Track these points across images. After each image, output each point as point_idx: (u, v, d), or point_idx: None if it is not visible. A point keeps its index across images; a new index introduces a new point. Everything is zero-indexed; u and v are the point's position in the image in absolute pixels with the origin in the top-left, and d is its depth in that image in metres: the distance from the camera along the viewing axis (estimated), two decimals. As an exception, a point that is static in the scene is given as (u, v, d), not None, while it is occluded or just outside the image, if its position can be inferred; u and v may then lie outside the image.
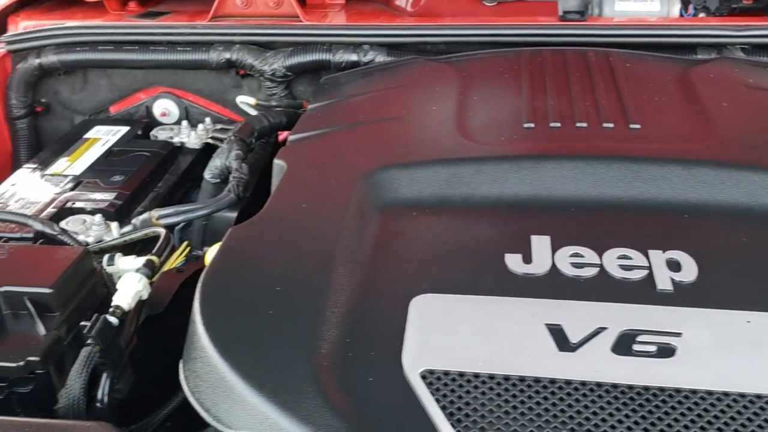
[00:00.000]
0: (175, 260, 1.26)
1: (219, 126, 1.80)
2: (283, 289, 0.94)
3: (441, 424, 0.77)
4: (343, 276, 0.96)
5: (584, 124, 1.25)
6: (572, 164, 1.13)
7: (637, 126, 1.23)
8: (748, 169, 1.11)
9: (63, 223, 1.40)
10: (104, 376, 1.04)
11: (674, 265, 0.96)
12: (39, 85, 1.95)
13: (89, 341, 1.02)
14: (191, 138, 1.77)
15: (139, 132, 1.81)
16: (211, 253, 1.09)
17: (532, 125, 1.26)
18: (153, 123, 1.91)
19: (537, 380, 0.82)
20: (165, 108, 1.94)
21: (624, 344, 0.85)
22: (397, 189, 1.14)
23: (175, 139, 1.78)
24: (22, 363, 0.99)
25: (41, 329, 1.03)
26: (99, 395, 1.04)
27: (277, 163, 1.27)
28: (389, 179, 1.15)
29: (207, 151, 1.71)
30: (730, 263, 0.97)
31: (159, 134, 1.81)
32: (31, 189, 1.56)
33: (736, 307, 0.90)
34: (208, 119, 1.82)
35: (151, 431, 1.08)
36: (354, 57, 1.71)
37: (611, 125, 1.24)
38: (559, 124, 1.25)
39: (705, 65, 1.50)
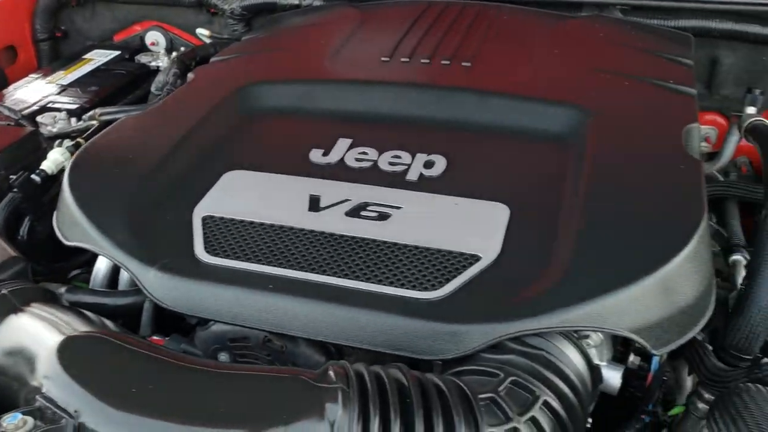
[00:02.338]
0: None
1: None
2: (134, 157, 1.28)
3: (198, 248, 1.10)
4: (184, 153, 1.30)
5: (427, 61, 1.52)
6: (394, 89, 1.43)
7: (468, 64, 1.50)
8: (534, 101, 1.36)
9: (39, 117, 1.80)
10: (26, 218, 1.43)
11: (429, 164, 1.25)
12: (58, 14, 2.36)
13: (14, 189, 1.40)
14: (165, 63, 2.13)
15: (127, 56, 2.21)
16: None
17: (388, 59, 1.54)
18: (144, 50, 2.30)
19: (281, 227, 1.13)
20: (155, 39, 2.31)
21: (356, 210, 1.16)
22: (261, 100, 1.46)
23: (153, 64, 2.16)
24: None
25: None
26: (21, 232, 1.43)
27: (189, 75, 1.61)
28: (256, 92, 1.47)
29: (175, 73, 2.08)
30: (472, 167, 1.25)
31: (141, 59, 2.19)
32: (27, 92, 1.97)
33: (455, 194, 1.18)
34: (183, 48, 2.18)
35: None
36: (296, 0, 2.03)
37: (448, 62, 1.51)
38: (408, 59, 1.53)
39: (574, 21, 1.73)
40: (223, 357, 1.09)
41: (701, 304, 1.04)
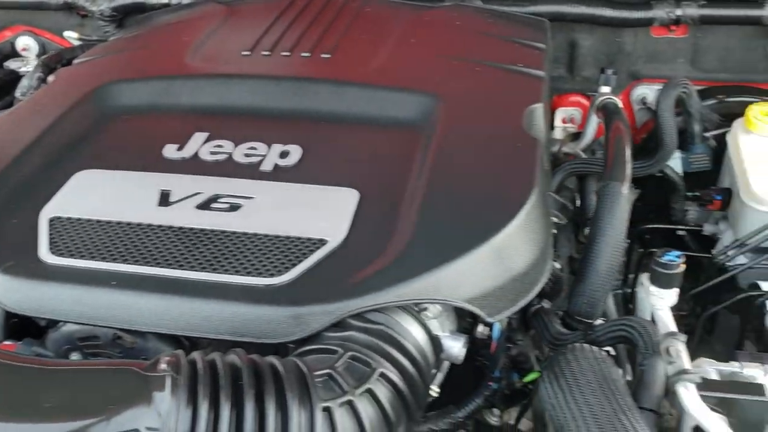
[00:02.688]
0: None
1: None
2: None
3: (43, 249, 1.09)
4: (36, 156, 1.28)
5: (288, 53, 1.54)
6: (252, 81, 1.44)
7: (328, 55, 1.53)
8: (387, 89, 1.40)
9: None
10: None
11: (284, 154, 1.27)
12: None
13: None
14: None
15: (-3, 64, 2.16)
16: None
17: (249, 53, 1.56)
18: (15, 55, 2.24)
19: (129, 224, 1.13)
20: (26, 44, 2.25)
21: (207, 203, 1.16)
22: (118, 99, 1.45)
23: (23, 69, 2.11)
24: None
25: None
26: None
27: (49, 78, 1.59)
28: (113, 91, 1.46)
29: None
30: (327, 155, 1.28)
31: (10, 64, 2.14)
32: None
33: (308, 183, 1.20)
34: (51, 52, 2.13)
35: None
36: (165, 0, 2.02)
37: (308, 54, 1.53)
38: (269, 53, 1.55)
39: (434, 11, 1.78)
40: (75, 357, 1.08)
41: (534, 273, 1.09)
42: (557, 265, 1.37)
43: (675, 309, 1.56)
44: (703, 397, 0.89)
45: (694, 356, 1.42)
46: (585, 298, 1.20)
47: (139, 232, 1.12)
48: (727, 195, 1.61)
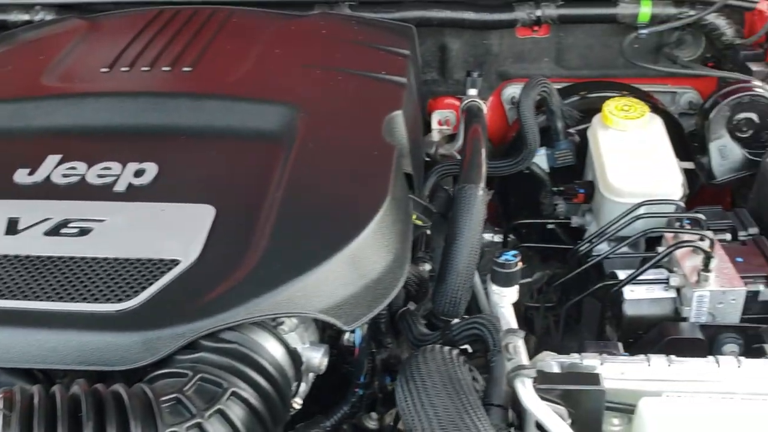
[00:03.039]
0: None
1: None
2: None
3: None
4: None
5: (147, 68, 1.51)
6: (109, 99, 1.41)
7: (189, 69, 1.50)
8: (247, 101, 1.39)
9: None
10: None
11: (139, 173, 1.24)
12: None
13: None
14: None
15: None
16: None
17: (107, 70, 1.52)
18: None
19: (-28, 255, 1.09)
20: None
21: (56, 229, 1.13)
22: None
23: None
24: None
25: None
26: None
27: None
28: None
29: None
30: (184, 172, 1.26)
31: None
32: None
33: (163, 201, 1.18)
34: None
35: None
36: (27, 17, 1.94)
37: (169, 69, 1.51)
38: (128, 69, 1.51)
39: (300, 20, 1.78)
40: None
41: (390, 278, 1.11)
42: (427, 267, 1.40)
43: (543, 300, 1.62)
44: (544, 390, 0.93)
45: (563, 345, 1.48)
46: (447, 298, 1.23)
47: (-17, 265, 1.07)
48: (590, 188, 1.68)
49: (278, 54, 1.59)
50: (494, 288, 1.13)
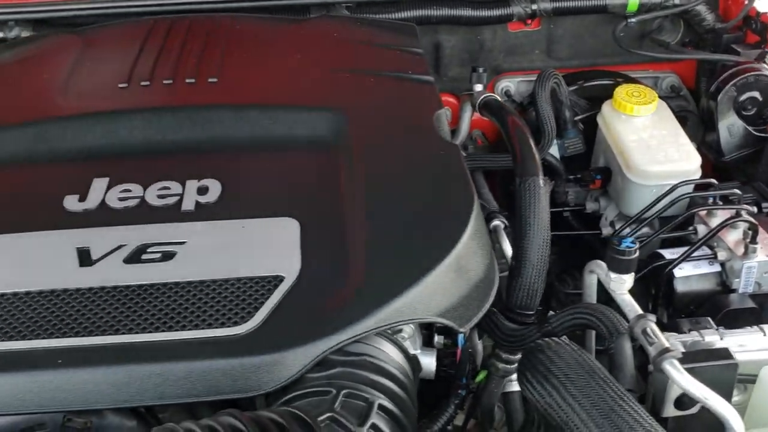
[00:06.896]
0: None
1: None
2: None
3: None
4: None
5: (170, 81, 1.44)
6: (143, 115, 1.33)
7: (215, 79, 1.44)
8: (290, 108, 1.35)
9: None
10: None
11: (203, 190, 1.18)
12: None
13: None
14: None
15: None
16: None
17: (126, 85, 1.43)
18: None
19: (52, 291, 1.00)
20: None
21: (136, 255, 1.06)
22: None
23: None
24: None
25: None
26: None
27: None
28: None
29: None
30: (248, 185, 1.21)
31: None
32: None
33: (239, 217, 1.13)
34: None
35: None
36: (0, 34, 1.81)
37: (193, 80, 1.44)
38: (148, 82, 1.43)
39: (306, 24, 1.74)
40: (18, 452, 0.95)
41: (489, 276, 1.11)
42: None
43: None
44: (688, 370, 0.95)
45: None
46: (524, 291, 1.23)
47: (65, 299, 0.99)
48: (606, 174, 1.73)
49: (301, 59, 1.55)
50: (612, 275, 1.15)
